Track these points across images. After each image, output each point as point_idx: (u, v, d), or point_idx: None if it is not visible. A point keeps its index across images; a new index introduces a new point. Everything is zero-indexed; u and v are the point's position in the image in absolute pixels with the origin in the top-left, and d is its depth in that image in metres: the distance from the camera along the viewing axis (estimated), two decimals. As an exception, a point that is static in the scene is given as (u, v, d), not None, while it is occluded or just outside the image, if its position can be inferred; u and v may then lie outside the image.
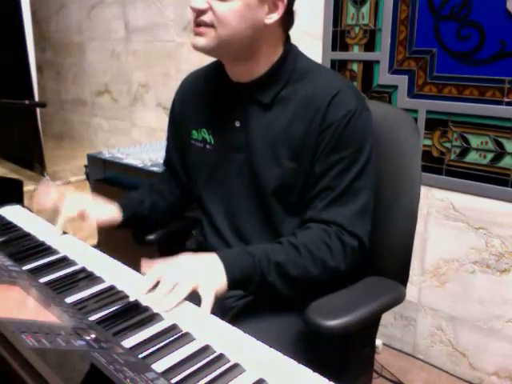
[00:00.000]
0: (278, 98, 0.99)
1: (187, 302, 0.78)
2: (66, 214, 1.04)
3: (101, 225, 1.08)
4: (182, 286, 0.78)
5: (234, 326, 0.72)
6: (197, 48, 0.95)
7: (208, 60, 1.06)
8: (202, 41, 0.93)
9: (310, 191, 0.96)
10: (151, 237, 1.19)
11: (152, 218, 1.17)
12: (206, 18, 0.91)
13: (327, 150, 0.94)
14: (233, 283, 0.85)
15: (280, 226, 1.00)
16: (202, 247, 1.10)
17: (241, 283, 0.87)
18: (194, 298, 0.79)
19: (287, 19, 0.98)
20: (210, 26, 0.92)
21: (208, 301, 0.78)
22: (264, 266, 0.88)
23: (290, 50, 1.01)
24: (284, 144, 0.97)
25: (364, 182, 0.95)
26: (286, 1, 0.93)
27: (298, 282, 0.91)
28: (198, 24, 0.93)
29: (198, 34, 0.94)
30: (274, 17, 0.94)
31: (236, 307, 1.01)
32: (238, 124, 1.02)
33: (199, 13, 0.92)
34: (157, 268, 0.83)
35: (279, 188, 0.98)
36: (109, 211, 1.09)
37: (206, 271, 0.83)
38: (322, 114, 0.94)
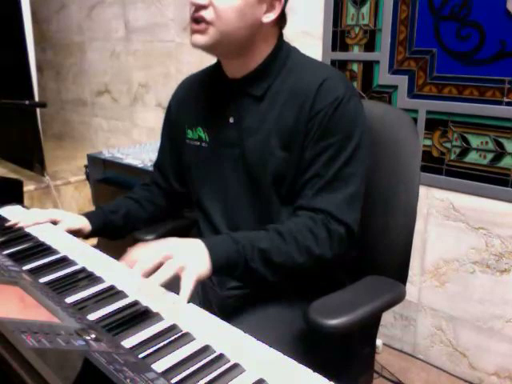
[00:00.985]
0: (270, 91, 1.00)
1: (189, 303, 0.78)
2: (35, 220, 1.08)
3: (70, 230, 1.09)
4: (167, 266, 0.78)
5: (233, 325, 0.72)
6: (196, 45, 0.95)
7: (208, 60, 1.06)
8: (201, 38, 0.94)
9: (300, 179, 0.97)
10: (150, 237, 1.19)
11: (128, 226, 1.18)
12: (206, 14, 0.92)
13: (316, 136, 0.95)
14: (216, 268, 0.84)
15: (276, 219, 1.00)
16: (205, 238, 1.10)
17: (225, 269, 0.86)
18: (174, 286, 0.79)
19: (281, 19, 1.00)
20: (209, 23, 0.92)
21: (187, 288, 0.77)
22: (248, 253, 0.87)
23: (282, 44, 1.02)
24: (276, 134, 0.97)
25: (353, 168, 0.95)
26: (283, 1, 0.95)
27: (283, 268, 0.91)
28: (196, 20, 0.93)
29: (196, 32, 0.94)
30: (271, 16, 0.95)
31: (236, 307, 1.01)
32: (231, 120, 1.03)
33: (199, 8, 0.92)
34: (141, 247, 0.84)
35: (274, 179, 0.98)
36: (78, 221, 1.11)
37: (190, 255, 0.82)
38: (310, 101, 0.95)
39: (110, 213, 1.16)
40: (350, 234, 0.94)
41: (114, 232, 1.18)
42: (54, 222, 1.10)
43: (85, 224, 1.11)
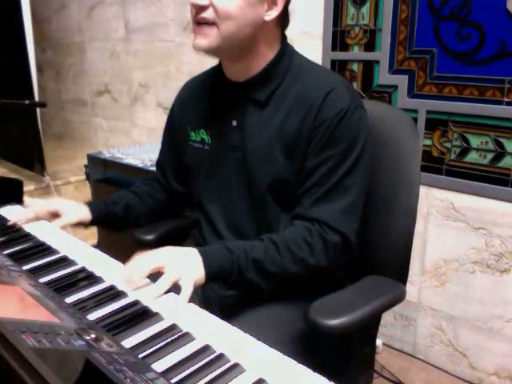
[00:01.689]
0: (274, 96, 0.99)
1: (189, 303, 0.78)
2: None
3: (72, 224, 1.11)
4: (165, 277, 0.81)
5: (233, 325, 0.72)
6: (198, 49, 0.95)
7: (208, 60, 1.06)
8: (203, 41, 0.93)
9: (300, 187, 0.97)
10: (150, 237, 1.20)
11: (129, 218, 1.19)
12: (207, 14, 0.91)
13: (318, 146, 0.95)
14: (210, 277, 0.87)
15: (276, 224, 1.00)
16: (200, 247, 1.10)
17: (219, 277, 0.89)
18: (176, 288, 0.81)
19: (284, 18, 0.99)
20: (212, 24, 0.92)
21: (187, 290, 0.80)
22: (242, 262, 0.90)
23: (285, 48, 1.02)
24: (278, 140, 0.97)
25: (353, 179, 0.95)
26: None
27: (276, 278, 0.92)
28: (198, 23, 0.93)
29: (199, 34, 0.94)
30: (273, 14, 0.95)
31: (236, 306, 1.01)
32: (235, 123, 1.03)
33: (200, 9, 0.92)
34: (139, 258, 0.86)
35: (274, 184, 0.99)
36: (79, 212, 1.12)
37: (186, 264, 0.85)
38: (316, 110, 0.95)
39: (111, 203, 1.17)
40: (347, 244, 0.94)
41: (114, 223, 1.19)
42: (55, 214, 1.10)
43: (85, 213, 1.13)
